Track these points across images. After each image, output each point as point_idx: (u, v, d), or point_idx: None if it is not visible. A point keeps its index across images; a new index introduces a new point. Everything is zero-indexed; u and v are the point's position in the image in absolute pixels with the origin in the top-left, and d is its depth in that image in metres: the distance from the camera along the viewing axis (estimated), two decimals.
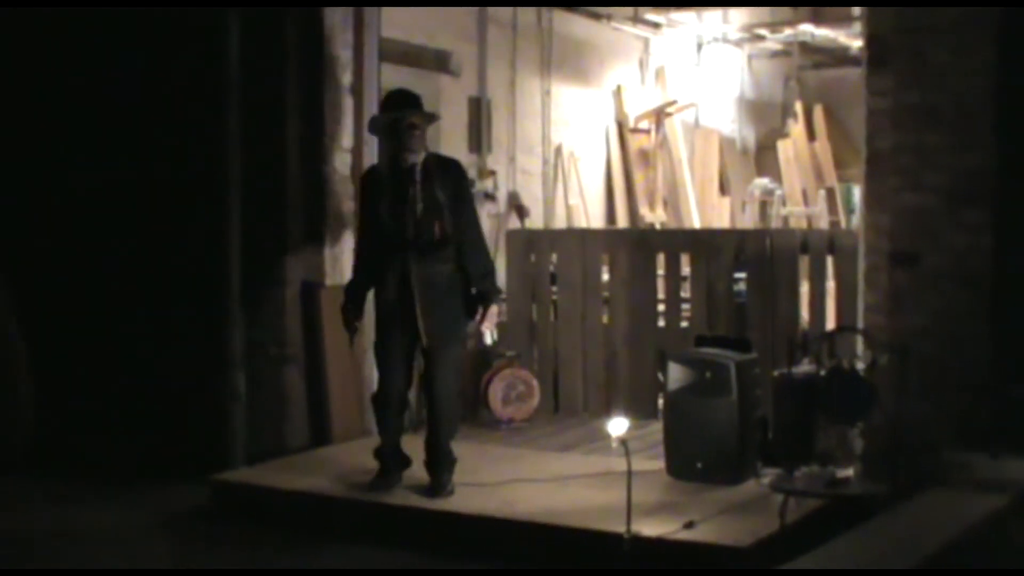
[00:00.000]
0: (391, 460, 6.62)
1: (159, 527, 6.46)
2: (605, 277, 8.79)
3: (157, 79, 7.67)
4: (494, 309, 6.60)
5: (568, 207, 10.80)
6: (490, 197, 9.68)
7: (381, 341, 6.59)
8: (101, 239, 7.94)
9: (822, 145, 13.79)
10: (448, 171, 6.58)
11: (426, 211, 6.38)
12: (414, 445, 6.64)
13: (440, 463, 6.51)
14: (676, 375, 6.73)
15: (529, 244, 9.03)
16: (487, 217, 9.69)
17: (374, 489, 6.51)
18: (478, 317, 6.53)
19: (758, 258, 8.09)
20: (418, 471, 6.55)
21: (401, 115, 6.45)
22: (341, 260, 7.60)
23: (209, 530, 6.42)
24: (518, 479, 6.62)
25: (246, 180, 7.36)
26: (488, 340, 6.78)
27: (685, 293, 8.56)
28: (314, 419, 7.57)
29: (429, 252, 6.40)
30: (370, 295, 6.65)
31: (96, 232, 7.97)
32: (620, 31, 11.38)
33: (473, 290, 6.53)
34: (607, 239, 9.29)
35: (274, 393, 7.47)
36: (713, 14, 12.42)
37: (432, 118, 6.72)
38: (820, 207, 12.88)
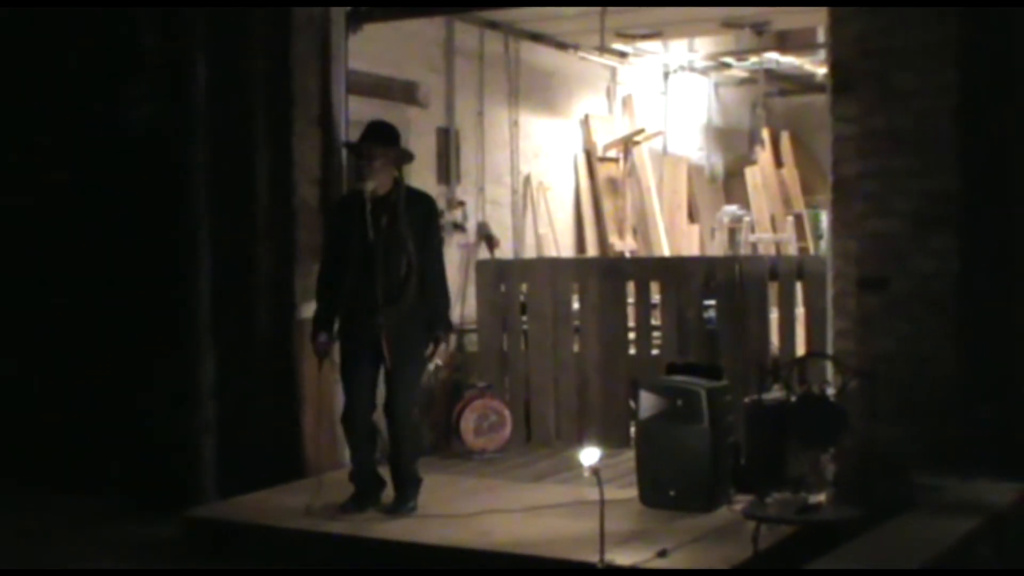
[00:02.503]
0: (364, 483, 6.68)
1: (128, 563, 6.39)
2: (576, 306, 8.80)
3: (122, 111, 7.62)
4: (442, 347, 6.85)
5: (538, 236, 10.81)
6: (459, 228, 9.68)
7: (346, 367, 6.72)
8: (68, 270, 7.87)
9: (790, 171, 13.86)
10: (418, 205, 6.72)
11: (391, 244, 6.50)
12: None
13: (403, 481, 6.64)
14: (648, 403, 6.74)
15: (499, 274, 9.04)
16: (456, 248, 9.69)
17: (346, 512, 6.57)
18: (428, 351, 6.69)
19: (728, 285, 8.12)
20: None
21: (360, 146, 6.68)
22: (311, 291, 7.57)
23: (179, 566, 6.36)
24: (491, 510, 6.61)
25: (215, 212, 7.34)
26: (431, 368, 6.95)
27: (656, 321, 8.57)
28: (287, 451, 7.52)
29: (396, 285, 6.53)
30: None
31: (62, 262, 7.89)
32: (587, 60, 11.42)
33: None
34: (577, 268, 9.31)
35: (246, 426, 7.42)
36: (679, 43, 12.49)
37: (398, 152, 6.80)
38: (789, 233, 12.94)
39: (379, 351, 6.54)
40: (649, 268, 9.21)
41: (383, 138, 6.69)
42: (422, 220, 6.66)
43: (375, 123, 6.87)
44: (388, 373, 6.65)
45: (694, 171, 13.29)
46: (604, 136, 11.76)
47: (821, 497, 6.01)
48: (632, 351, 8.60)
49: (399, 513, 6.54)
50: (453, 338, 9.26)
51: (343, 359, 6.76)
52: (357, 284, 6.58)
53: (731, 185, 13.86)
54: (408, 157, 7.00)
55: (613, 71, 12.04)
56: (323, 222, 7.53)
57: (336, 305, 6.68)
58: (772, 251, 12.56)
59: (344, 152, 7.75)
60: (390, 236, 6.52)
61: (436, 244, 6.81)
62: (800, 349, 7.86)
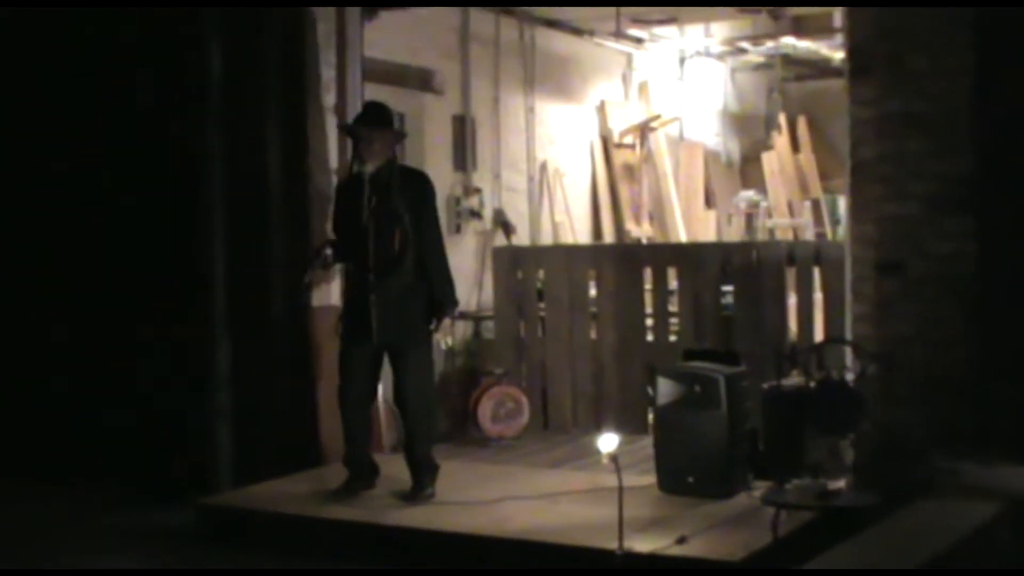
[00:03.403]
0: (357, 467, 6.71)
1: (139, 551, 6.40)
2: (592, 292, 8.78)
3: (138, 97, 7.62)
4: (447, 322, 6.85)
5: (554, 223, 10.78)
6: (476, 215, 9.67)
7: (344, 346, 6.77)
8: (83, 257, 7.88)
9: (806, 156, 13.80)
10: (412, 183, 6.78)
11: (382, 221, 6.55)
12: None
13: (419, 468, 6.65)
14: (665, 389, 6.72)
15: (515, 261, 9.02)
16: (473, 235, 9.68)
17: (339, 497, 6.60)
18: (432, 327, 6.72)
19: (745, 270, 8.09)
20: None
21: (357, 129, 6.75)
22: (326, 279, 7.59)
23: (195, 553, 6.36)
24: (509, 496, 6.60)
25: (230, 199, 7.35)
26: (443, 347, 6.90)
27: (673, 307, 8.55)
28: (303, 439, 7.53)
29: (388, 261, 6.57)
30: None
31: (78, 249, 7.91)
32: (603, 47, 11.38)
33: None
34: (593, 254, 9.28)
35: (261, 413, 7.43)
36: (695, 28, 12.44)
37: (393, 133, 6.88)
38: (806, 218, 12.88)
39: (372, 329, 6.57)
40: (666, 254, 9.18)
41: (380, 120, 6.76)
42: (418, 197, 6.72)
43: (370, 105, 7.01)
44: (391, 360, 6.67)
45: (710, 157, 13.25)
46: (620, 122, 11.72)
47: (840, 483, 6.00)
48: (649, 337, 8.57)
49: (417, 500, 6.54)
50: (471, 325, 9.30)
51: (342, 339, 6.80)
52: (354, 264, 6.72)
53: (748, 170, 13.81)
54: (401, 136, 7.12)
55: (629, 57, 12.00)
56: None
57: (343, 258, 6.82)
58: (789, 236, 12.51)
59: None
60: (383, 213, 6.57)
61: (434, 220, 6.83)
62: (818, 335, 7.83)
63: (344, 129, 7.05)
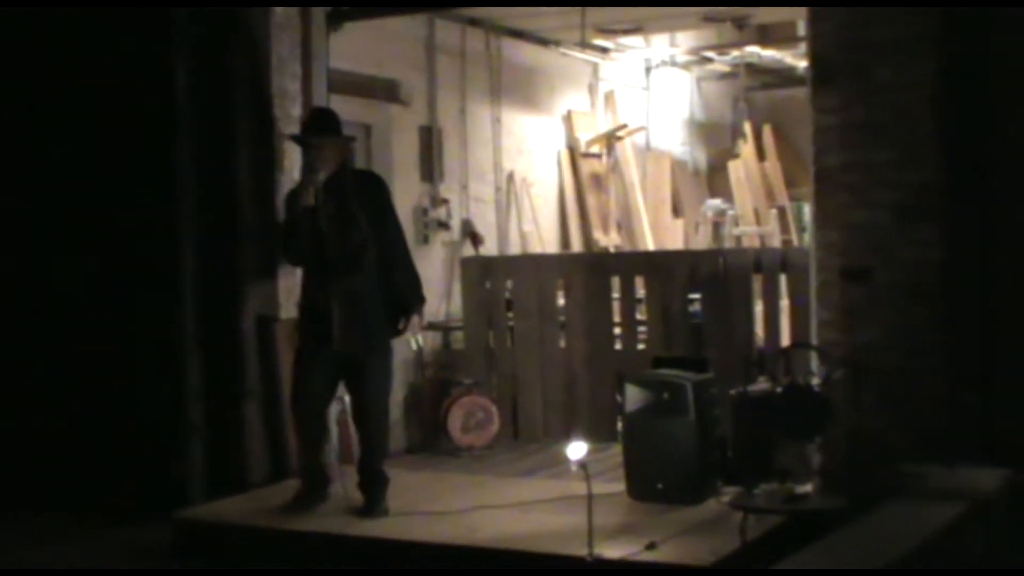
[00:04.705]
0: (312, 479, 6.69)
1: (116, 566, 6.38)
2: (561, 302, 8.81)
3: (104, 110, 7.58)
4: (415, 319, 6.79)
5: (522, 233, 10.81)
6: (444, 225, 9.68)
7: (302, 354, 6.73)
8: (49, 271, 7.83)
9: (772, 164, 13.88)
10: (366, 185, 6.78)
11: (340, 226, 6.51)
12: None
13: (374, 482, 6.59)
14: (634, 397, 6.76)
15: (484, 271, 9.05)
16: (441, 245, 9.69)
17: (290, 511, 6.56)
18: (400, 325, 6.66)
19: (712, 278, 8.14)
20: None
21: (307, 138, 6.72)
22: (295, 292, 7.56)
23: (168, 568, 6.35)
24: (479, 506, 6.62)
25: (197, 213, 7.34)
26: (414, 346, 6.86)
27: (641, 315, 8.59)
28: (273, 452, 7.52)
29: (346, 266, 6.53)
30: None
31: (44, 263, 7.85)
32: (569, 57, 11.42)
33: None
34: (562, 264, 9.33)
35: (232, 427, 7.42)
36: (660, 38, 12.51)
37: (343, 139, 6.84)
38: (772, 226, 12.95)
39: (331, 337, 6.52)
40: (634, 263, 9.23)
41: (328, 128, 6.75)
42: (375, 198, 6.71)
43: (317, 113, 7.02)
44: (348, 367, 6.62)
45: (677, 166, 13.31)
46: (587, 132, 11.76)
47: (808, 487, 6.05)
48: (618, 346, 8.61)
49: (374, 515, 6.48)
50: (440, 335, 9.31)
51: (300, 347, 6.78)
52: (311, 271, 6.66)
53: (714, 179, 13.88)
54: (350, 140, 7.10)
55: (595, 67, 12.05)
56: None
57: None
58: (756, 244, 12.59)
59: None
60: (340, 219, 6.54)
61: (393, 218, 6.82)
62: (785, 341, 7.88)
63: (294, 139, 7.02)
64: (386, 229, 6.68)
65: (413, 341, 6.79)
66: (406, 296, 6.70)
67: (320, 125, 6.77)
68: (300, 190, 6.70)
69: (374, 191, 6.78)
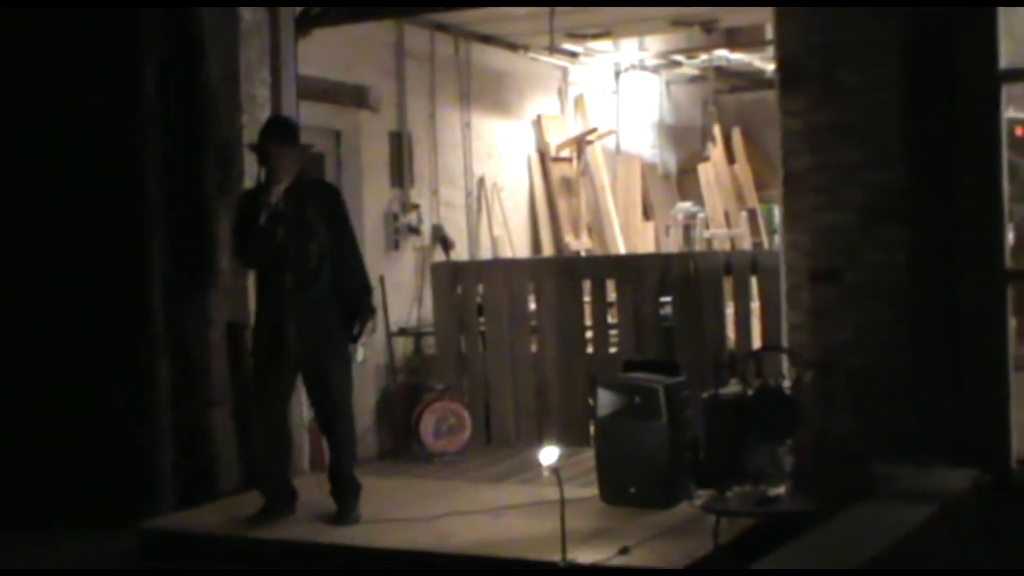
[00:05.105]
0: (275, 492, 6.67)
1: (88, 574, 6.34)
2: (532, 306, 8.81)
3: (69, 113, 7.51)
4: (369, 324, 6.77)
5: (493, 237, 10.81)
6: (414, 231, 9.67)
7: (259, 366, 6.72)
8: (14, 279, 7.76)
9: (742, 167, 13.93)
10: (324, 196, 6.79)
11: (299, 236, 6.51)
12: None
13: (345, 490, 6.57)
14: (606, 401, 6.76)
15: (455, 276, 9.04)
16: (411, 251, 9.67)
17: (253, 525, 6.52)
18: (355, 331, 6.66)
19: (683, 281, 8.16)
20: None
21: (265, 148, 6.66)
22: None
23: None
24: (452, 512, 6.61)
25: (167, 222, 7.30)
26: (359, 358, 6.84)
27: (612, 319, 8.60)
28: (244, 461, 7.48)
29: (305, 276, 6.53)
30: None
31: (7, 272, 7.78)
32: (538, 61, 11.43)
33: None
34: (532, 268, 9.32)
35: (202, 435, 7.38)
36: (629, 42, 12.53)
37: (300, 148, 6.81)
38: (742, 228, 13.00)
39: (289, 346, 6.52)
40: (605, 266, 9.25)
41: (286, 137, 6.74)
42: (332, 209, 6.72)
43: (274, 122, 6.98)
44: (312, 378, 6.63)
45: (647, 169, 13.34)
46: (557, 136, 11.77)
47: (780, 489, 6.06)
48: (590, 350, 8.62)
49: (345, 523, 6.48)
50: (411, 341, 9.29)
51: (256, 359, 6.77)
52: (266, 280, 6.66)
53: (684, 182, 13.92)
54: (308, 148, 7.07)
55: (564, 71, 12.06)
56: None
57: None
58: (726, 247, 12.62)
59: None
60: (299, 229, 6.54)
61: (350, 229, 6.83)
62: (756, 343, 7.91)
63: (252, 147, 6.98)
64: (343, 239, 6.70)
65: (360, 352, 6.78)
66: (356, 305, 6.69)
67: (281, 133, 6.75)
68: (258, 193, 6.68)
69: (332, 201, 6.80)
